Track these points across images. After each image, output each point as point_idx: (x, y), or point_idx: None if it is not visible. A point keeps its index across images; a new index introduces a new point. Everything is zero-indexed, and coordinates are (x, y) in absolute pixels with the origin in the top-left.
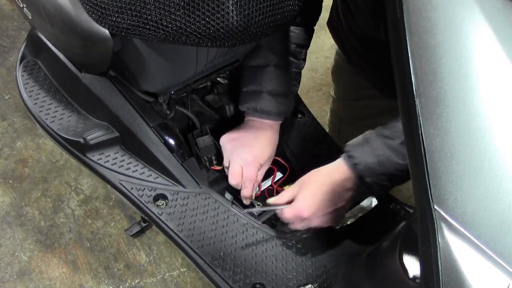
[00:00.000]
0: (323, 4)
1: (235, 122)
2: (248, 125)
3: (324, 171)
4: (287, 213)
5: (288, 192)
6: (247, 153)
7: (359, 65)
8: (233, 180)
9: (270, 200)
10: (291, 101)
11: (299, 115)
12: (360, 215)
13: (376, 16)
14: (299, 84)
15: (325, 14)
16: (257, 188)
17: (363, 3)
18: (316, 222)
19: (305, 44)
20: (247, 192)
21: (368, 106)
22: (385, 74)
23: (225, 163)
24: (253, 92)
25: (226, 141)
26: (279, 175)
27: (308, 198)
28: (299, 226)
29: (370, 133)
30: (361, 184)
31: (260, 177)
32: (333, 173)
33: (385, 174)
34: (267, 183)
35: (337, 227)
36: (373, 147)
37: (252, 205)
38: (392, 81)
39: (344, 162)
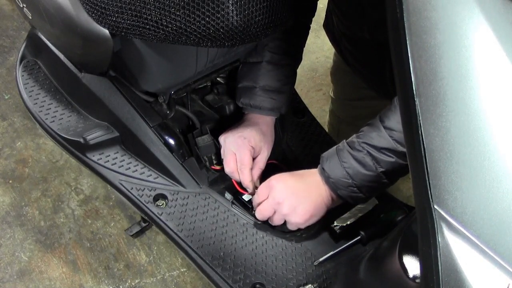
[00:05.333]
0: (321, 5)
1: (235, 121)
2: (243, 119)
3: (298, 172)
4: (264, 207)
5: (262, 188)
6: (237, 138)
7: (354, 66)
8: (227, 167)
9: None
10: (285, 97)
11: (299, 116)
12: (360, 215)
13: (357, 16)
14: (294, 81)
15: (324, 15)
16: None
17: (344, 4)
18: (288, 212)
19: (300, 41)
20: (245, 178)
21: (367, 106)
22: (377, 74)
23: (222, 156)
24: (247, 88)
25: (222, 136)
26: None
27: (282, 187)
28: (275, 219)
29: (342, 143)
30: (336, 196)
31: (261, 164)
32: (306, 175)
33: (355, 186)
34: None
35: (337, 228)
36: (342, 159)
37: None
38: (384, 81)
39: (319, 173)
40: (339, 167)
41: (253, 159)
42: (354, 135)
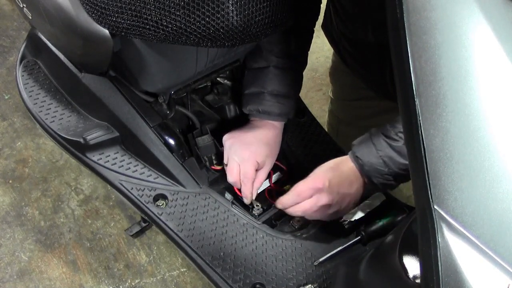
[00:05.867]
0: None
1: (235, 122)
2: (251, 125)
3: (332, 163)
4: (309, 206)
5: (305, 188)
6: (244, 150)
7: (353, 67)
8: (230, 177)
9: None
10: (293, 102)
11: (299, 116)
12: (368, 210)
13: (363, 19)
14: (301, 85)
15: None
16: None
17: (350, 7)
18: (335, 210)
19: (305, 45)
20: (246, 190)
21: (366, 107)
22: (377, 74)
23: (224, 160)
24: (255, 94)
25: (226, 138)
26: (278, 175)
27: (329, 190)
28: (316, 216)
29: (376, 132)
30: (369, 183)
31: (262, 176)
32: (341, 165)
33: (390, 174)
34: (266, 184)
35: (345, 223)
36: (378, 147)
37: (251, 205)
38: (384, 82)
39: (352, 161)
40: (375, 155)
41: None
42: (387, 124)
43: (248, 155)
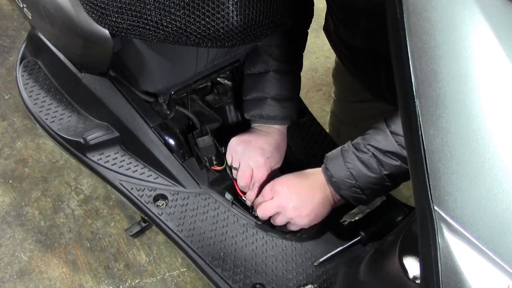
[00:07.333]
0: (321, 5)
1: (236, 122)
2: (259, 130)
3: (302, 172)
4: (267, 206)
5: (267, 190)
6: (259, 155)
7: (350, 69)
8: (242, 181)
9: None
10: (295, 104)
11: (299, 116)
12: (368, 210)
13: (351, 24)
14: (300, 87)
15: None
16: None
17: (338, 12)
18: (294, 215)
19: (302, 47)
20: (253, 194)
21: (367, 108)
22: (373, 78)
23: (235, 165)
24: (257, 99)
25: (237, 143)
26: (278, 176)
27: (287, 191)
28: (278, 220)
29: (348, 145)
30: (339, 196)
31: (268, 180)
32: (309, 175)
33: (358, 187)
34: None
35: (345, 223)
36: (346, 159)
37: (252, 205)
38: (380, 86)
39: (322, 172)
40: (343, 167)
41: None
42: (360, 137)
43: (264, 161)
